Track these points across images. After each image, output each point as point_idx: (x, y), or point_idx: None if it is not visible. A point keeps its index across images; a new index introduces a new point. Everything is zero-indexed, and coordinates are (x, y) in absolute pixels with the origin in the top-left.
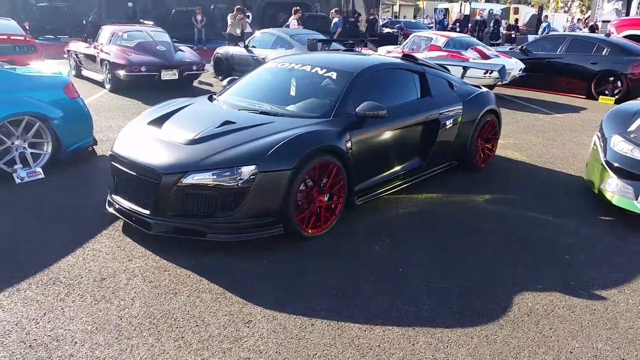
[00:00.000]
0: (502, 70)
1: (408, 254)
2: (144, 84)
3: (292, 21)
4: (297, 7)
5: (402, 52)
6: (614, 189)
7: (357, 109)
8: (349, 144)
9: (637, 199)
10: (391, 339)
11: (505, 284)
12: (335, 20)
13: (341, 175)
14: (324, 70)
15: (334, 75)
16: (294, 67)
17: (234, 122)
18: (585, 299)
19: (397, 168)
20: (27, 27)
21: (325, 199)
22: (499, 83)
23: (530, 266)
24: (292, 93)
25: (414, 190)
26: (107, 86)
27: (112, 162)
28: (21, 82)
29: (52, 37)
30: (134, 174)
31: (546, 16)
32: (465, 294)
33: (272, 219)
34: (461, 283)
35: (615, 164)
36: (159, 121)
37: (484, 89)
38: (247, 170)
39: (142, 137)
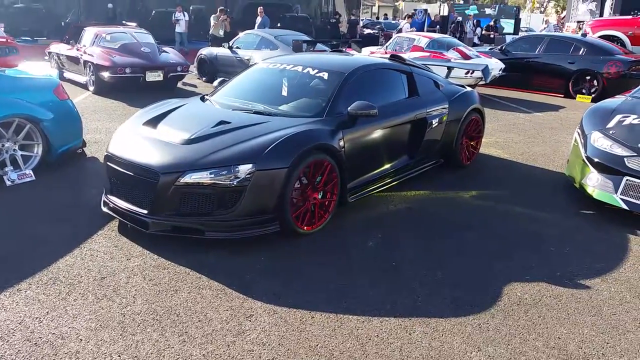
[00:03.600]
0: (486, 70)
1: (400, 249)
2: (129, 86)
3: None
4: (222, 7)
5: (386, 52)
6: (594, 183)
7: (349, 108)
8: (341, 143)
9: (616, 193)
10: (389, 329)
11: (495, 276)
12: (260, 19)
13: (334, 174)
14: (316, 71)
15: (325, 75)
16: (285, 68)
17: (229, 122)
18: (571, 288)
19: (387, 166)
20: (2, 29)
21: (319, 196)
22: (481, 83)
23: (518, 258)
24: (284, 93)
25: (403, 188)
26: (91, 88)
27: (108, 163)
28: (11, 84)
29: (29, 38)
30: (131, 174)
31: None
32: (457, 286)
33: (268, 216)
34: (453, 275)
35: (596, 160)
36: (154, 122)
37: (469, 89)
38: (244, 169)
39: (138, 138)
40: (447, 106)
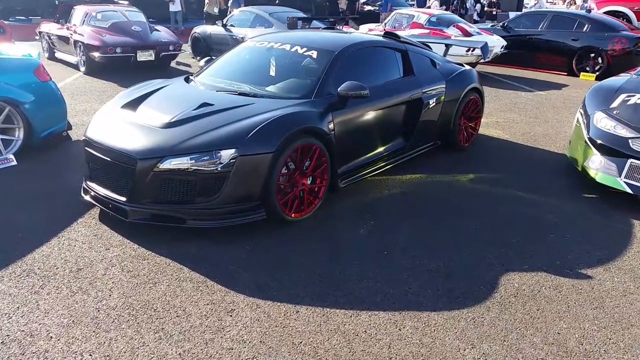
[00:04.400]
0: (485, 48)
1: (392, 236)
2: (120, 66)
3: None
4: None
5: (384, 30)
6: (597, 166)
7: (338, 89)
8: (331, 125)
9: (620, 176)
10: (377, 324)
11: (491, 265)
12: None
13: (324, 158)
14: (304, 49)
15: (314, 54)
16: (273, 47)
17: (211, 104)
18: (572, 278)
19: (381, 149)
20: None
21: (308, 182)
22: (482, 61)
23: (516, 246)
24: (272, 73)
25: (398, 171)
26: (82, 69)
27: (86, 148)
28: None
29: (23, 18)
30: (109, 159)
31: None
32: (451, 276)
33: (253, 203)
34: (447, 265)
35: (599, 141)
36: (134, 104)
37: (467, 67)
38: (226, 154)
39: (117, 121)
40: (444, 85)
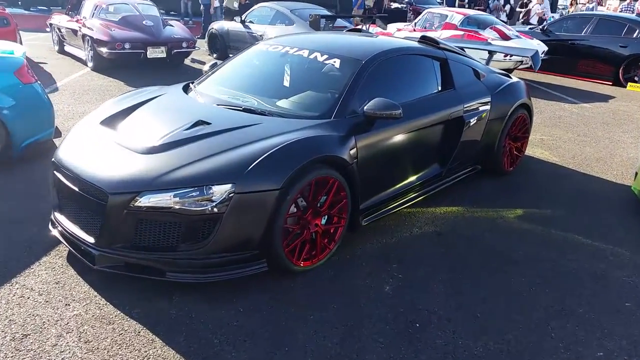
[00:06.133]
0: (536, 57)
1: (425, 298)
2: (129, 63)
3: None
4: None
5: (415, 30)
6: None
7: (365, 108)
8: (353, 152)
9: None
10: None
11: (556, 349)
12: None
13: (343, 193)
14: (325, 57)
15: (337, 62)
16: (288, 52)
17: (208, 123)
18: None
19: (413, 178)
20: None
21: (323, 222)
22: (519, 67)
23: (583, 317)
24: (286, 84)
25: (430, 203)
26: (90, 64)
27: (54, 172)
28: None
29: (45, 8)
30: (77, 190)
31: None
32: None
33: (252, 252)
34: (498, 345)
35: None
36: (116, 119)
37: (515, 79)
38: (220, 190)
39: (92, 142)
40: (489, 100)
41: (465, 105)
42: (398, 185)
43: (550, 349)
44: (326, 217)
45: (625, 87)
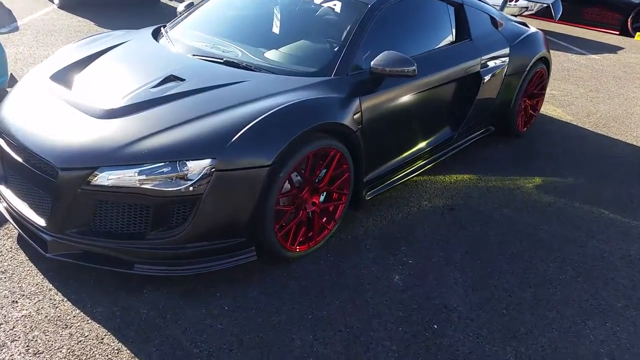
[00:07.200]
0: (557, 4)
1: (442, 290)
2: (100, 0)
3: None
4: None
5: None
6: None
7: (372, 63)
8: (357, 117)
9: None
10: None
11: (597, 357)
12: None
13: (345, 165)
14: None
15: (337, 6)
16: None
17: (182, 79)
18: None
19: (422, 144)
20: None
21: (321, 199)
22: (523, 14)
23: (623, 315)
24: (275, 30)
25: (439, 170)
26: (56, 1)
27: None
28: None
29: None
30: (22, 162)
31: None
32: None
33: (237, 240)
34: (530, 353)
35: None
36: (69, 73)
37: (533, 28)
38: (197, 167)
39: (39, 101)
40: (507, 53)
41: (482, 59)
42: (407, 153)
43: (589, 356)
44: (325, 193)
45: (634, 37)
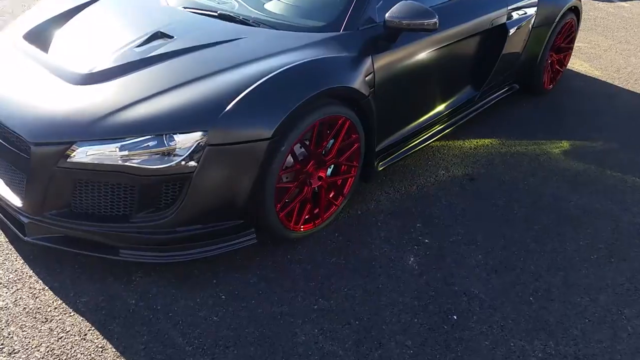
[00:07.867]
0: None
1: (461, 274)
2: None
3: None
4: None
5: None
6: None
7: (387, 16)
8: (369, 78)
9: None
10: None
11: (637, 352)
12: None
13: (355, 135)
14: None
15: None
16: None
17: (170, 37)
18: None
19: (441, 107)
20: None
21: (328, 173)
22: None
23: None
24: None
25: (457, 134)
26: None
27: None
28: None
29: None
30: None
31: None
32: None
33: (234, 222)
34: (561, 348)
35: None
36: (45, 31)
37: None
38: (186, 140)
39: (11, 64)
40: (535, 2)
41: (509, 8)
42: (423, 118)
43: (627, 351)
44: (332, 166)
45: None
